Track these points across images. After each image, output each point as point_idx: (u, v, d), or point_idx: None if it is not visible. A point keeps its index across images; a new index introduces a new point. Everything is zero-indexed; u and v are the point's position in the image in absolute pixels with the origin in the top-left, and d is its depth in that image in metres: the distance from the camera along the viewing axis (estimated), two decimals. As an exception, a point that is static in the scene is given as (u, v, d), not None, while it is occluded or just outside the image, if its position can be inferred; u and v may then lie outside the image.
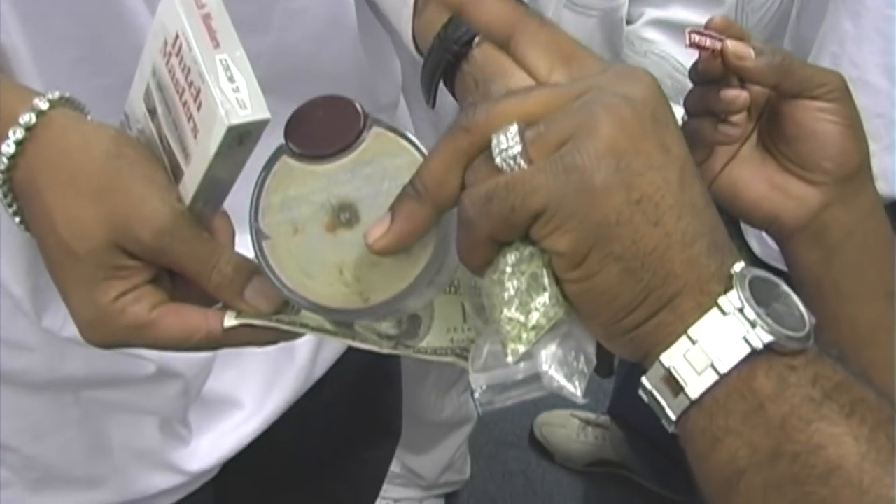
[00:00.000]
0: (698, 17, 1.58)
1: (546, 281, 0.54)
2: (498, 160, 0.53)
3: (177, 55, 0.63)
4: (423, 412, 2.14)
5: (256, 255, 0.62)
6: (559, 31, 0.64)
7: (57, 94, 0.67)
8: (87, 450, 0.99)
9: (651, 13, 1.65)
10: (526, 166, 0.53)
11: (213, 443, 1.04)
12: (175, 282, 0.69)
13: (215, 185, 0.65)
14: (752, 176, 0.84)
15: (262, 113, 0.60)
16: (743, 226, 1.40)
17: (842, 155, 0.80)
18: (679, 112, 0.81)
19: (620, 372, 2.41)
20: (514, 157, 0.53)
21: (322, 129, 0.62)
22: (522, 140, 0.53)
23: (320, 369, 1.09)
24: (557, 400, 0.56)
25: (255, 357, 1.03)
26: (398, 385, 1.40)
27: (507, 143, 0.53)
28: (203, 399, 1.01)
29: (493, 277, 0.55)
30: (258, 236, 0.62)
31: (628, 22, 1.69)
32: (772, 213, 0.82)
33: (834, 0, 1.28)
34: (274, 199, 0.62)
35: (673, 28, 1.62)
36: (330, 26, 0.92)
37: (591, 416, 2.60)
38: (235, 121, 0.59)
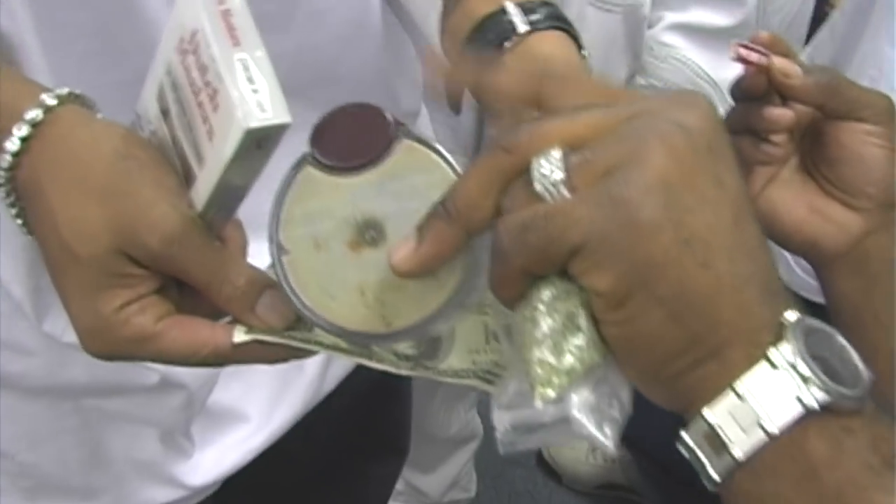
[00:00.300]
0: (719, 20, 1.57)
1: (582, 322, 0.49)
2: (538, 186, 0.49)
3: (193, 53, 0.60)
4: (430, 428, 2.11)
5: (275, 270, 0.59)
6: (588, 75, 0.58)
7: (66, 90, 0.64)
8: (85, 459, 0.96)
9: (670, 17, 1.63)
10: (568, 195, 0.48)
11: (217, 457, 1.00)
12: (182, 293, 0.65)
13: (229, 192, 0.61)
14: (792, 199, 0.80)
15: (283, 117, 0.57)
16: (773, 252, 1.36)
17: (886, 180, 0.76)
18: None
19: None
20: (556, 184, 0.48)
21: (349, 138, 0.58)
22: (566, 166, 0.49)
23: (330, 383, 1.06)
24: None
25: (263, 370, 0.99)
26: (408, 401, 1.36)
27: (549, 168, 0.49)
28: (207, 411, 0.98)
29: (526, 313, 0.50)
30: (277, 250, 0.59)
31: (647, 27, 1.66)
32: (811, 238, 0.79)
33: (874, 23, 1.25)
34: (295, 212, 0.58)
35: (693, 32, 1.60)
36: (354, 28, 0.89)
37: (600, 437, 2.54)
38: (254, 124, 0.56)
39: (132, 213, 0.61)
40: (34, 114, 0.62)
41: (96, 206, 0.61)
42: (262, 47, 0.58)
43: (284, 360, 0.64)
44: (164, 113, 0.64)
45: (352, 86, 0.90)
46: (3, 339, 0.87)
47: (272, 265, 0.59)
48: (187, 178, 0.63)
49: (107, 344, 0.63)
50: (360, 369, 1.08)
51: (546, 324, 0.49)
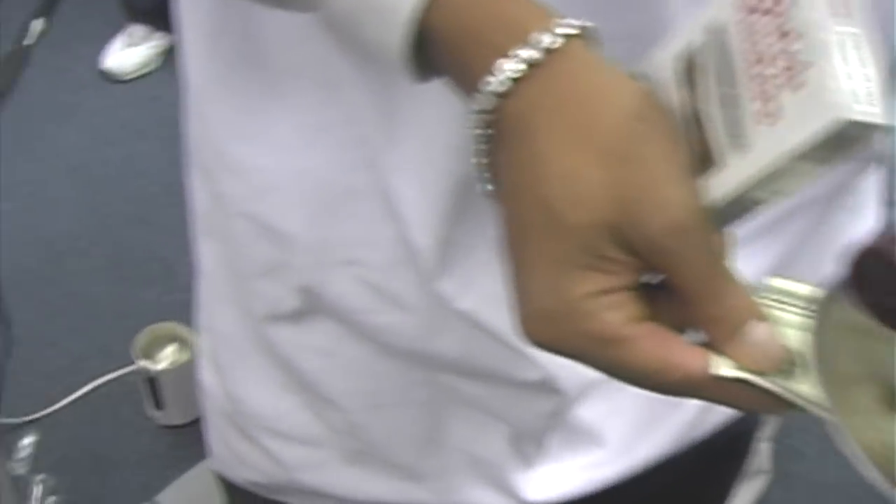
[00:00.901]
0: None
1: None
2: None
3: (770, 14, 0.48)
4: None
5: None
6: None
7: (586, 23, 0.53)
8: (421, 438, 0.87)
9: None
10: None
11: (560, 475, 0.88)
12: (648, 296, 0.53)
13: (760, 195, 0.49)
14: None
15: (888, 117, 0.44)
16: None
17: None
18: None
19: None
20: None
21: (889, 283, 0.45)
22: None
23: (704, 429, 0.92)
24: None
25: (631, 392, 0.87)
26: (742, 463, 1.21)
27: None
28: (565, 425, 0.86)
29: None
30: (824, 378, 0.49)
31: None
32: None
33: None
34: (833, 351, 0.48)
35: None
36: None
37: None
38: (854, 116, 0.43)
39: (640, 187, 0.49)
40: (547, 39, 0.51)
41: (598, 168, 0.50)
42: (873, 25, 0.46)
43: (759, 410, 0.53)
44: (687, 79, 0.53)
45: None
46: (378, 284, 0.77)
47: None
48: (702, 162, 0.51)
49: (561, 333, 0.52)
50: (741, 420, 0.95)
51: None
